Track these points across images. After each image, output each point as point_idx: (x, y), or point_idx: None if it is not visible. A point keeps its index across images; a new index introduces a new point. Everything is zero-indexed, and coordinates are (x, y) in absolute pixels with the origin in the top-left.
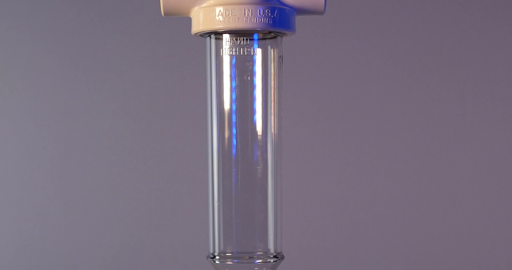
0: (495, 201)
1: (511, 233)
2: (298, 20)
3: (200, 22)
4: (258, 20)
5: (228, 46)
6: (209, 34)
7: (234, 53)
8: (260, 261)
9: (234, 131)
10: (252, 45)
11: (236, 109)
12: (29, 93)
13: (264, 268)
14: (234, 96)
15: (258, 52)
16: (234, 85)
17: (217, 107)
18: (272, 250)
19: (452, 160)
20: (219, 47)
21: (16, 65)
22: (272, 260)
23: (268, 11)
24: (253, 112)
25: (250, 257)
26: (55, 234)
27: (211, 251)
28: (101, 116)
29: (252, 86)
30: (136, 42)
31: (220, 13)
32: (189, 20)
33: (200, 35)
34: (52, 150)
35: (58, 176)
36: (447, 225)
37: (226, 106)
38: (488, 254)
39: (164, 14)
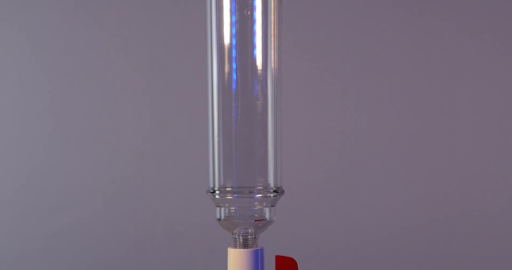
0: (493, 132)
1: None
2: None
3: None
4: None
5: None
6: None
7: None
8: (260, 195)
9: (234, 65)
10: None
11: (236, 44)
12: (31, 26)
13: (264, 203)
14: (234, 31)
15: None
16: (234, 19)
17: (217, 42)
18: (272, 185)
19: (452, 91)
20: None
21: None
22: (272, 195)
23: None
24: (253, 46)
25: (250, 192)
26: (56, 167)
27: (211, 185)
28: (102, 51)
29: (252, 21)
30: None
31: None
32: None
33: None
34: (53, 81)
35: (59, 109)
36: (448, 155)
37: (226, 40)
38: (488, 189)
39: None
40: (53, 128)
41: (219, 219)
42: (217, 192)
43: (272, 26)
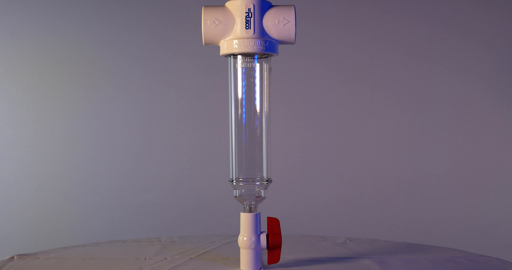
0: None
1: None
2: (280, 47)
3: (225, 48)
4: (257, 47)
5: (241, 62)
6: (230, 55)
7: (244, 66)
8: (258, 183)
9: (244, 110)
10: (254, 61)
11: (245, 97)
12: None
13: (261, 187)
14: (244, 90)
15: (257, 65)
16: (244, 84)
17: (234, 96)
18: (265, 177)
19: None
20: (235, 62)
21: None
22: (265, 182)
23: (262, 42)
24: (254, 99)
25: (252, 181)
26: (140, 164)
27: (231, 177)
28: (173, 104)
29: (254, 84)
30: (184, 61)
31: (236, 43)
32: (218, 47)
33: (225, 55)
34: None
35: (142, 119)
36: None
37: (239, 95)
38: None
39: (204, 44)
40: (137, 139)
41: (235, 196)
42: (234, 181)
43: (266, 87)
